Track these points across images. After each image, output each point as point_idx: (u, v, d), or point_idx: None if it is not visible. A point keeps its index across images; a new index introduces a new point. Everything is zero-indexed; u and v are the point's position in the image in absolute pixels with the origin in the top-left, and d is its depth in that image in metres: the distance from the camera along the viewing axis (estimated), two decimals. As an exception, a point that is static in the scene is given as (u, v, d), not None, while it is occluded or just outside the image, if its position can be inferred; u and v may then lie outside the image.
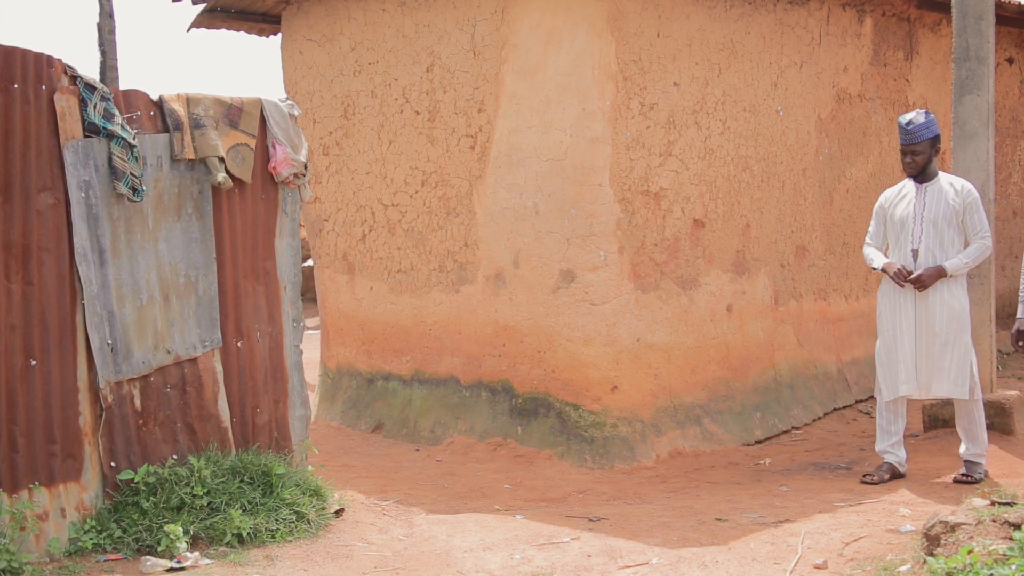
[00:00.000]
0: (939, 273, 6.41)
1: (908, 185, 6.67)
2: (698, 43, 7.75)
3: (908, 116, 6.54)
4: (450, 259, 8.05)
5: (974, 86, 7.52)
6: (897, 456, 6.65)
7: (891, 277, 6.53)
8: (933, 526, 4.38)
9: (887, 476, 6.59)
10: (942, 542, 4.26)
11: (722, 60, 7.92)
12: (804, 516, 5.81)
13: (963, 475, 6.47)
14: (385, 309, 8.58)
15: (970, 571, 3.82)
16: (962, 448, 6.57)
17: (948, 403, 7.51)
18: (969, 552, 3.94)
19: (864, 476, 6.64)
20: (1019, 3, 9.94)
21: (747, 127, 8.12)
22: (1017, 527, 4.08)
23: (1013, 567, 3.73)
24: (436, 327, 8.19)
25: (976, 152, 7.48)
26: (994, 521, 4.19)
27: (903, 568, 4.50)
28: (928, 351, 6.47)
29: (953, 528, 4.26)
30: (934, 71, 9.94)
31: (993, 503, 4.48)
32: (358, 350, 8.84)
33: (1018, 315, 6.00)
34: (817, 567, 4.86)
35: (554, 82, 7.32)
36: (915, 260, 6.50)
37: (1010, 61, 11.35)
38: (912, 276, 6.45)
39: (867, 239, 6.82)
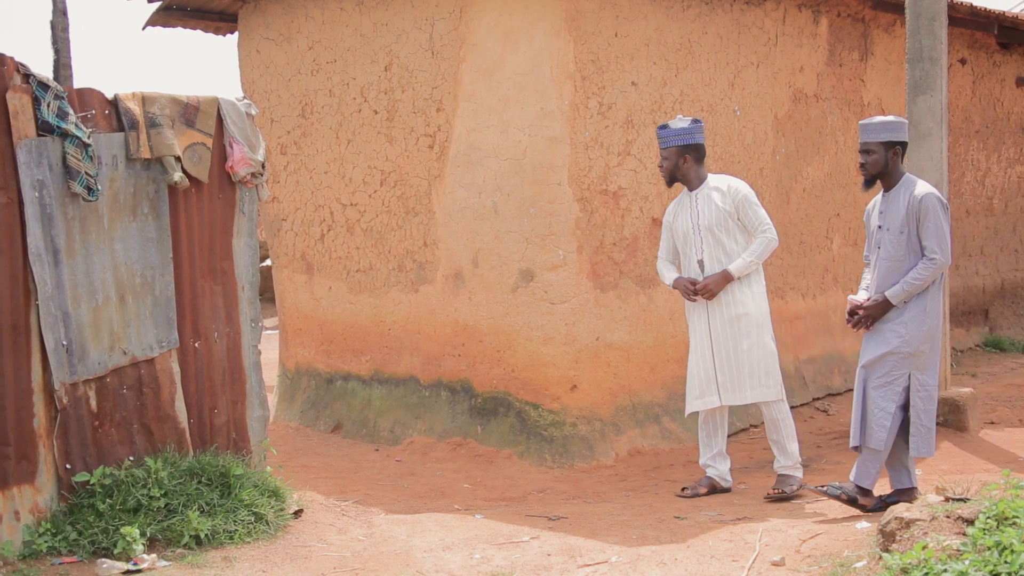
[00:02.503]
0: (725, 278, 6.25)
1: (683, 195, 6.51)
2: (656, 43, 7.78)
3: (670, 121, 6.45)
4: (409, 259, 8.03)
5: (928, 86, 7.60)
6: (717, 470, 6.46)
7: (682, 295, 6.42)
8: (888, 522, 4.43)
9: (703, 491, 6.40)
10: (897, 538, 4.31)
11: (680, 60, 7.95)
12: (762, 514, 5.85)
13: (775, 490, 6.23)
14: (344, 309, 8.55)
15: (924, 567, 3.86)
16: (775, 463, 6.39)
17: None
18: (924, 548, 3.98)
19: (681, 489, 6.48)
20: (971, 4, 10.07)
21: (705, 127, 8.15)
22: (971, 523, 4.13)
23: (967, 562, 3.77)
24: (395, 327, 8.17)
25: (930, 152, 7.57)
26: (948, 517, 4.24)
27: (859, 564, 4.54)
28: (731, 358, 6.29)
29: (908, 524, 4.31)
30: (888, 71, 10.04)
31: (947, 499, 4.53)
32: (317, 350, 8.80)
33: (857, 292, 5.96)
34: (775, 564, 4.89)
35: (512, 81, 7.32)
36: (702, 271, 6.35)
37: (963, 62, 11.50)
38: (697, 287, 6.30)
39: (659, 253, 6.62)
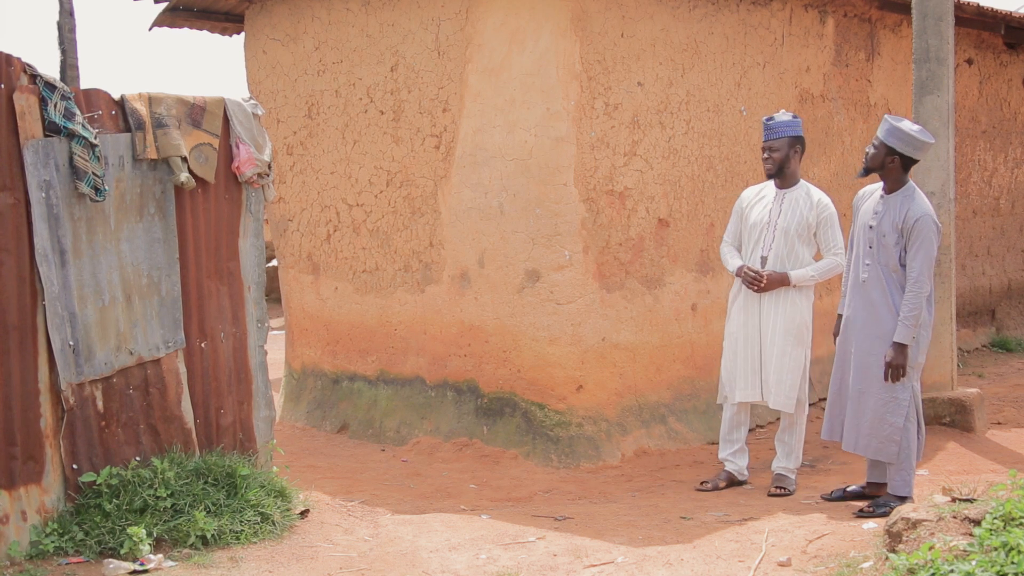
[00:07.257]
0: (782, 280, 6.34)
1: (768, 187, 6.58)
2: (662, 43, 7.77)
3: (775, 114, 6.55)
4: (415, 259, 8.04)
5: (934, 87, 7.60)
6: (736, 464, 6.60)
7: (744, 282, 6.44)
8: (895, 523, 4.42)
9: (722, 484, 6.52)
10: (904, 539, 4.30)
11: (686, 60, 7.95)
12: (768, 514, 5.85)
13: (777, 487, 6.40)
14: (350, 309, 8.55)
15: (931, 567, 3.86)
16: (774, 463, 6.53)
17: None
18: (930, 548, 3.98)
19: (701, 483, 6.59)
20: (978, 4, 10.05)
21: (711, 127, 8.16)
22: (977, 523, 4.12)
23: (973, 563, 3.76)
24: (401, 327, 8.17)
25: (936, 152, 7.56)
26: (955, 517, 4.23)
27: (866, 565, 4.53)
28: (778, 362, 6.37)
29: (915, 525, 4.30)
30: (895, 72, 10.03)
31: (954, 500, 4.52)
32: (323, 350, 8.80)
33: (839, 311, 6.15)
34: (781, 564, 4.89)
35: (519, 82, 7.32)
36: (763, 267, 6.42)
37: (969, 62, 11.48)
38: (760, 275, 6.38)
39: (725, 236, 6.72)
